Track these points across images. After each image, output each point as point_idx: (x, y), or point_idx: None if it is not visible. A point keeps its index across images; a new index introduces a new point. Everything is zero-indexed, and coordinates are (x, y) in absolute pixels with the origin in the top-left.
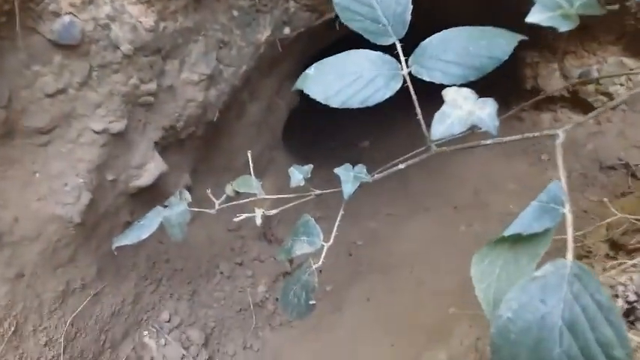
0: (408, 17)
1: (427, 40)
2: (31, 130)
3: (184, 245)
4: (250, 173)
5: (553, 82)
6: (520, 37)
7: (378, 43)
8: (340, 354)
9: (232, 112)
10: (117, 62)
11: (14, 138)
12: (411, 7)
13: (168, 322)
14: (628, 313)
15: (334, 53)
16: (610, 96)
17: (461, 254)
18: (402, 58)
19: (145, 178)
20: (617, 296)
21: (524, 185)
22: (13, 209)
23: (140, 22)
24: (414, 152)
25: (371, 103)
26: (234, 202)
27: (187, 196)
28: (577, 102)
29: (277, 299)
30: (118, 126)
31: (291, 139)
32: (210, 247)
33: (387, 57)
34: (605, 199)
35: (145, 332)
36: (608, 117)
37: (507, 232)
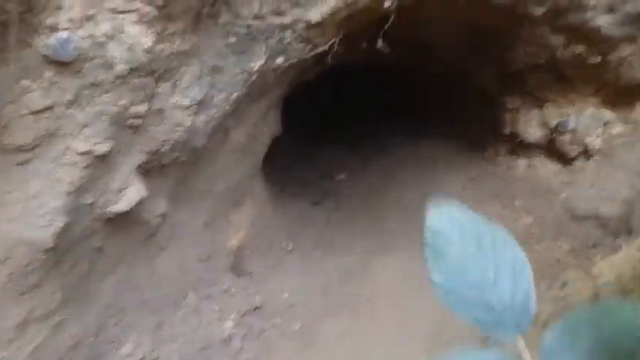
0: (533, 306)
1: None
2: (11, 147)
3: (153, 273)
4: (227, 201)
5: (531, 129)
6: None
7: (494, 338)
8: None
9: (217, 137)
10: (109, 82)
11: None
12: (533, 293)
13: (130, 357)
14: None
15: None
16: (585, 146)
17: (433, 299)
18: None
19: (123, 204)
20: None
21: None
22: None
23: (138, 42)
24: None
25: None
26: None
27: None
28: (553, 150)
29: (245, 335)
30: (102, 148)
31: (266, 165)
32: (179, 277)
33: None
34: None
35: None
36: (582, 167)
37: None
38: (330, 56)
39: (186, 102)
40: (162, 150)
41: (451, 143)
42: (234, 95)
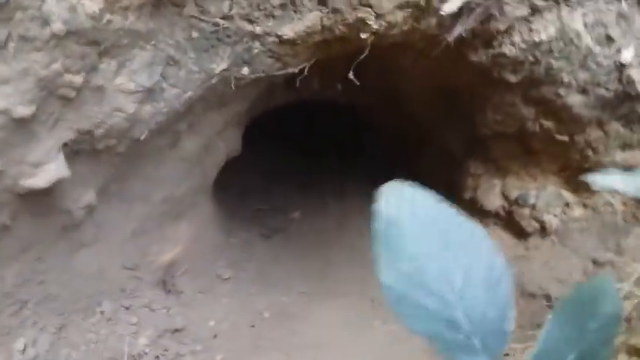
0: (509, 325)
1: None
2: None
3: (67, 270)
4: (166, 213)
5: (491, 198)
6: None
7: None
8: None
9: (165, 139)
10: (43, 40)
11: None
12: (512, 308)
13: (22, 352)
14: None
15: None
16: (542, 224)
17: (370, 349)
18: None
19: (40, 179)
20: None
21: None
22: None
23: (83, 4)
24: None
25: None
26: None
27: None
28: (511, 223)
29: (157, 357)
30: (23, 110)
31: (219, 188)
32: (97, 280)
33: None
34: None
35: None
36: (537, 245)
37: None
38: (299, 80)
39: (132, 87)
40: (95, 132)
41: None
42: (188, 94)
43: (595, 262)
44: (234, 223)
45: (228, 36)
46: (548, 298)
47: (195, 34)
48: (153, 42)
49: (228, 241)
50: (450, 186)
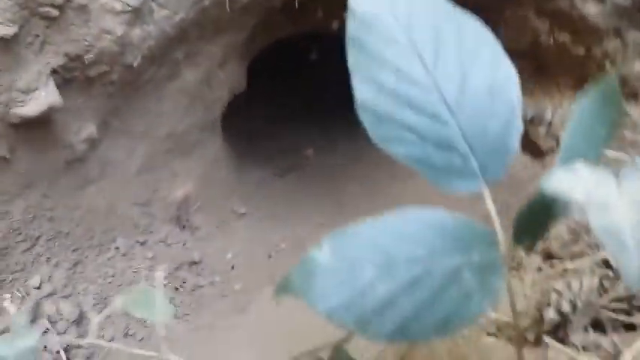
0: (514, 141)
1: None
2: None
3: (77, 207)
4: (172, 149)
5: None
6: None
7: (450, 188)
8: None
9: (163, 69)
10: None
11: None
12: (519, 122)
13: (39, 288)
14: (557, 327)
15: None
16: (559, 140)
17: None
18: (496, 222)
19: (32, 107)
20: (548, 304)
21: (455, 209)
22: None
23: None
24: None
25: (452, 329)
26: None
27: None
28: (526, 143)
29: (176, 289)
30: (4, 30)
31: (227, 129)
32: (108, 217)
33: (479, 226)
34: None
35: (8, 295)
36: (553, 162)
37: None
38: (300, 10)
39: (118, 6)
40: (85, 57)
41: None
42: (179, 16)
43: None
44: (246, 163)
45: None
46: None
47: None
48: None
49: (241, 180)
50: None
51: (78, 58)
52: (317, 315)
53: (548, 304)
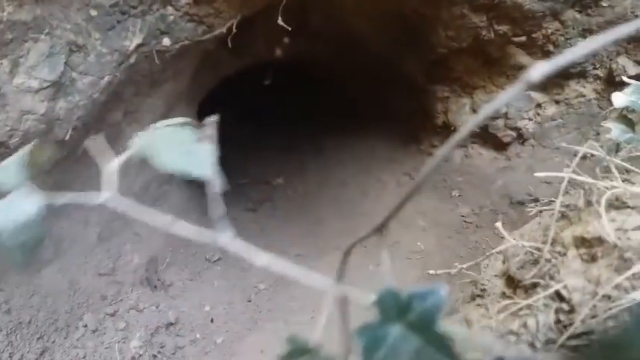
0: None
1: None
2: None
3: (35, 293)
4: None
5: (463, 117)
6: None
7: None
8: None
9: (104, 133)
10: None
11: None
12: None
13: None
14: None
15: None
16: (519, 131)
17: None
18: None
19: None
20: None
21: (433, 222)
22: None
23: None
24: None
25: None
26: None
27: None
28: (487, 137)
29: (155, 356)
30: None
31: None
32: (71, 295)
33: None
34: (499, 223)
35: None
36: (517, 152)
37: None
38: (239, 44)
39: (35, 84)
40: (10, 142)
41: (389, 139)
42: (106, 80)
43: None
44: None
45: (133, 7)
46: (536, 201)
47: (93, 13)
48: (46, 30)
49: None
50: (421, 115)
51: (2, 144)
52: None
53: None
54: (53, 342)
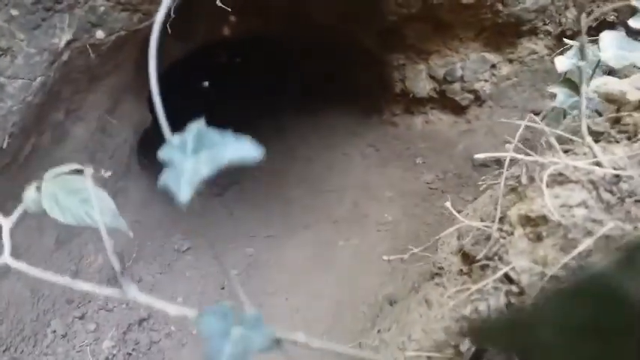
0: None
1: None
2: None
3: None
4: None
5: (421, 84)
6: None
7: None
8: None
9: (46, 136)
10: None
11: None
12: None
13: None
14: (476, 357)
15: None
16: (476, 93)
17: (337, 275)
18: None
19: None
20: (463, 335)
21: (400, 191)
22: None
23: None
24: None
25: None
26: None
27: None
28: (446, 102)
29: (129, 354)
30: None
31: (151, 161)
32: (35, 303)
33: None
34: (448, 203)
35: None
36: (476, 115)
37: None
38: (168, 26)
39: None
40: None
41: (350, 112)
42: (38, 81)
43: (535, 113)
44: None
45: (58, 2)
46: (499, 162)
47: (14, 12)
48: None
49: (179, 212)
50: (380, 85)
51: None
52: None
53: (463, 335)
54: (22, 352)
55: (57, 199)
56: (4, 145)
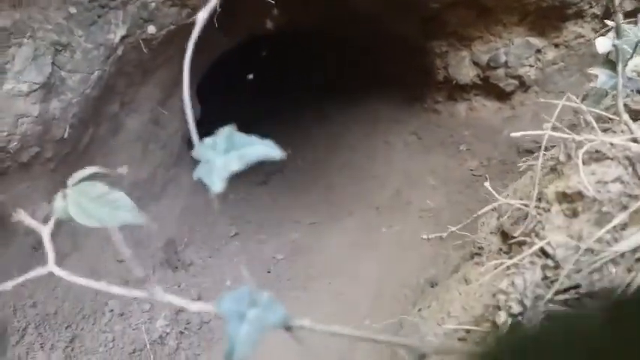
0: None
1: None
2: None
3: (57, 285)
4: (144, 194)
5: (464, 71)
6: None
7: None
8: None
9: (103, 127)
10: None
11: None
12: None
13: None
14: (512, 330)
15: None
16: (520, 78)
17: (380, 260)
18: None
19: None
20: (499, 308)
21: (443, 179)
22: None
23: None
24: None
25: None
26: None
27: None
28: (490, 88)
29: (181, 332)
30: None
31: None
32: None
33: None
34: (487, 183)
35: None
36: (521, 100)
37: None
38: (216, 19)
39: (25, 87)
40: (9, 147)
41: (392, 100)
42: (95, 75)
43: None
44: (227, 181)
45: None
46: (546, 148)
47: (73, 10)
48: (28, 34)
49: (226, 200)
50: (422, 72)
51: (2, 149)
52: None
53: (498, 308)
54: (82, 329)
55: (81, 204)
56: (65, 135)
